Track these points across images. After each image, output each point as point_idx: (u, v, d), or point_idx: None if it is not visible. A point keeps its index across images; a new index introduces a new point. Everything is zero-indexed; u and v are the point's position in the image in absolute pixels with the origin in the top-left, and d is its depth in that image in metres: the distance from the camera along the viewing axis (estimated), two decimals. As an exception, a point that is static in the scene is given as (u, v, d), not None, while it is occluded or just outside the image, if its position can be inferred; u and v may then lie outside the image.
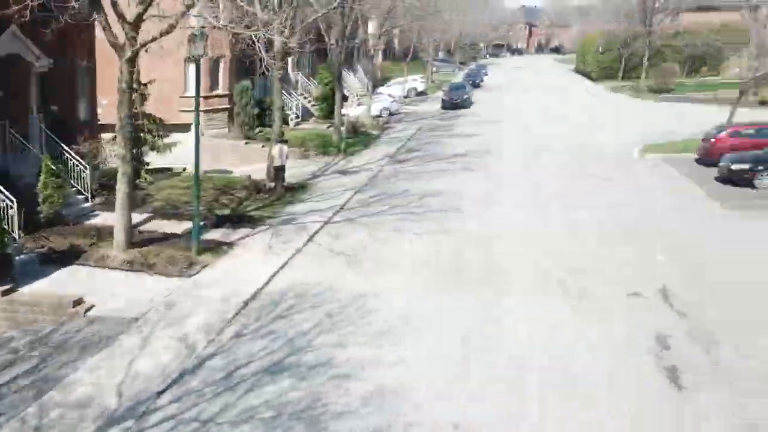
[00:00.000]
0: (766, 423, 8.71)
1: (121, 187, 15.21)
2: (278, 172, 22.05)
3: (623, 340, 11.22)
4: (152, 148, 22.12)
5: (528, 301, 13.05)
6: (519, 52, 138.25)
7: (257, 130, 31.36)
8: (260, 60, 23.71)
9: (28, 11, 12.57)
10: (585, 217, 18.86)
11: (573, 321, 12.07)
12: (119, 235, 15.15)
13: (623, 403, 9.23)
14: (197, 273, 14.57)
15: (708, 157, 25.63)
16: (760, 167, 22.09)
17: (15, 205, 14.80)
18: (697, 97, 51.45)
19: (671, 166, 26.27)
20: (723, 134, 25.89)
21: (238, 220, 18.72)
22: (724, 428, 8.66)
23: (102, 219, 17.72)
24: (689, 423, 8.77)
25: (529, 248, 16.24)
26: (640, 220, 18.74)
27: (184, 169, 23.09)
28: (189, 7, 14.91)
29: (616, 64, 68.20)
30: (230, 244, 16.60)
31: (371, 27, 49.20)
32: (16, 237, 14.85)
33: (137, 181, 20.19)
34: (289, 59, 32.78)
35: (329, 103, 35.92)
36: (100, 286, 13.69)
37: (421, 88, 57.22)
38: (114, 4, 14.13)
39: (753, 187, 21.93)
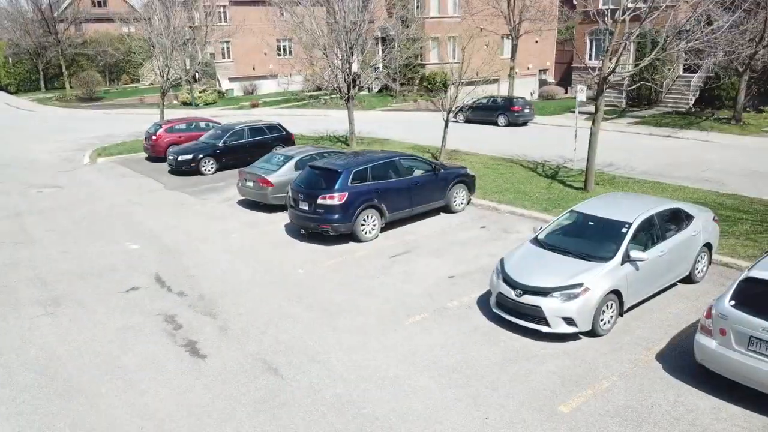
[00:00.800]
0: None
1: None
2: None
3: (142, 331, 11.20)
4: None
5: None
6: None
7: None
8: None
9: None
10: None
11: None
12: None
13: (159, 386, 9.32)
14: None
15: (155, 153, 26.91)
16: (201, 155, 24.31)
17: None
18: (124, 103, 53.89)
19: (125, 166, 26.67)
20: (161, 131, 27.33)
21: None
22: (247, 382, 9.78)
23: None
24: (219, 386, 9.45)
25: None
26: (108, 217, 18.63)
27: None
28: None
29: (35, 75, 64.50)
30: None
31: None
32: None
33: None
34: None
35: None
36: None
37: None
38: None
39: (202, 173, 24.29)
